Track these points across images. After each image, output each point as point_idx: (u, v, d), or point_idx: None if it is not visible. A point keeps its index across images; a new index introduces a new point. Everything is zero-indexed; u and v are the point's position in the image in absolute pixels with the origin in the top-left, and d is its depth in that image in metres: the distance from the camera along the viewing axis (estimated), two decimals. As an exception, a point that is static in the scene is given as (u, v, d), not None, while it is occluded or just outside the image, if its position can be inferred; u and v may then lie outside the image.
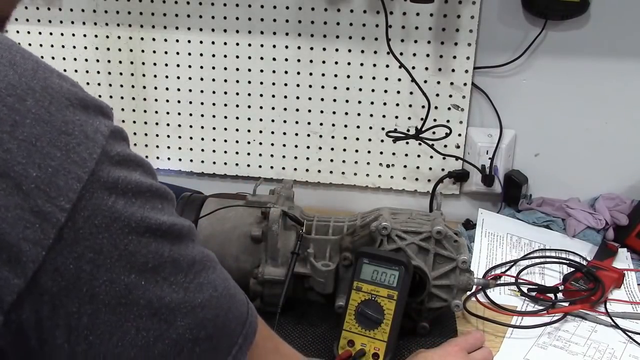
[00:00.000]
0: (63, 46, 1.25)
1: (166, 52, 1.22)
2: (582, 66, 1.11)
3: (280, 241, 0.85)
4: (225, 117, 1.25)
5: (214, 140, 1.27)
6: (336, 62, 1.17)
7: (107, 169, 0.40)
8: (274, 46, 1.18)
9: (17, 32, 1.24)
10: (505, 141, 1.17)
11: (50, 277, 0.37)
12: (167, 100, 1.26)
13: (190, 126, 1.27)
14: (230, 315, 0.47)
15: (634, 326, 0.89)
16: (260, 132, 1.25)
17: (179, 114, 1.26)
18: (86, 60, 1.25)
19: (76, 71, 1.25)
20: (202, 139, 1.28)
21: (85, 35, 1.23)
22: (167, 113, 1.27)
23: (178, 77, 1.23)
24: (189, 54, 1.21)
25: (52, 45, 1.25)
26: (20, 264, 0.36)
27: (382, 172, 1.24)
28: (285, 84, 1.20)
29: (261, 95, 1.22)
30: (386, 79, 1.16)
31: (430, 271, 0.82)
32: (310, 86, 1.20)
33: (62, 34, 1.24)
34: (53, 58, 1.25)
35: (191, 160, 1.30)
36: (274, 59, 1.19)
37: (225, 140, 1.27)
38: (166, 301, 0.42)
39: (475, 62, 1.13)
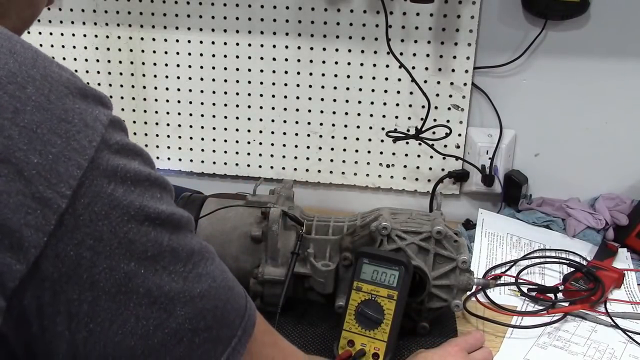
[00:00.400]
0: (63, 46, 1.25)
1: (166, 52, 1.22)
2: (582, 66, 1.11)
3: (280, 241, 0.85)
4: (225, 117, 1.25)
5: (214, 140, 1.27)
6: (336, 62, 1.17)
7: (107, 157, 0.40)
8: (274, 46, 1.18)
9: (17, 32, 1.24)
10: (505, 141, 1.17)
11: (51, 263, 0.37)
12: (167, 100, 1.26)
13: (190, 126, 1.27)
14: (229, 307, 0.47)
15: (634, 326, 0.89)
16: (260, 132, 1.25)
17: (179, 114, 1.26)
18: (86, 60, 1.25)
19: (76, 71, 1.23)
20: (202, 139, 1.27)
21: (85, 35, 1.23)
22: (167, 113, 1.27)
23: (178, 77, 1.23)
24: (189, 54, 1.21)
25: (52, 45, 1.25)
26: (23, 249, 0.36)
27: (382, 172, 1.24)
28: (285, 84, 1.20)
29: (261, 95, 1.22)
30: (386, 79, 1.16)
31: (430, 271, 0.82)
32: (310, 86, 1.20)
33: (62, 34, 1.24)
34: (53, 58, 1.24)
35: (191, 160, 1.30)
36: (274, 59, 1.19)
37: (225, 140, 1.27)
38: (165, 290, 0.42)
39: (475, 62, 1.13)
